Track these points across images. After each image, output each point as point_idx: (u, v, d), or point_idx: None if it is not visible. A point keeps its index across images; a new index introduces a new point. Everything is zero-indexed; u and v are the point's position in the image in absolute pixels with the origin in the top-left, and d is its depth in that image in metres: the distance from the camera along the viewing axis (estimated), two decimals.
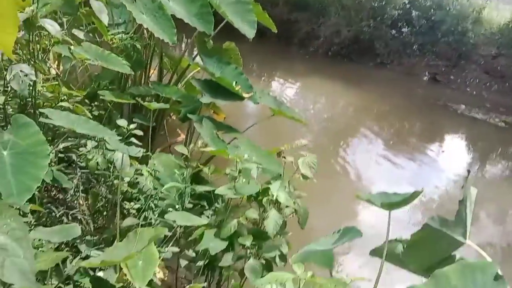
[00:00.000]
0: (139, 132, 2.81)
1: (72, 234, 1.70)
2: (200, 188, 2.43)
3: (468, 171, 1.78)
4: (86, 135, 2.67)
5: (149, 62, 4.90)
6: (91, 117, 3.34)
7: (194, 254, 2.42)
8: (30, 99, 2.58)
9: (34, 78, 2.25)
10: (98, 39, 4.00)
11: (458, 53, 10.68)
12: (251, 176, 2.51)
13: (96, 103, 3.92)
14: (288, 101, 8.10)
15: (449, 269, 1.13)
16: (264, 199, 2.33)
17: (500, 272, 1.08)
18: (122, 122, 2.82)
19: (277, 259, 2.17)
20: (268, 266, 2.22)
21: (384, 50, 11.22)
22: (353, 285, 3.45)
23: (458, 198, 1.73)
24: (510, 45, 10.20)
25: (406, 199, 1.83)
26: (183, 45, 8.59)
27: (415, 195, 1.82)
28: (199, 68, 5.10)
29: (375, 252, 2.22)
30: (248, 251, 2.22)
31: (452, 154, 6.92)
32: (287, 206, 2.36)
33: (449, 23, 10.78)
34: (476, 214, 4.97)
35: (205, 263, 2.36)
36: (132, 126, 2.79)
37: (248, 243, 2.16)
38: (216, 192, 2.29)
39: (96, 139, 2.67)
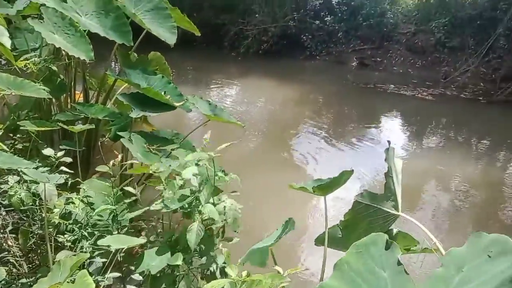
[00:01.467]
0: (68, 159, 2.67)
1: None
2: (131, 212, 2.32)
3: (389, 142, 1.82)
4: (7, 170, 2.50)
5: (73, 85, 4.70)
6: (12, 151, 3.14)
7: (141, 278, 2.32)
8: None
9: None
10: (10, 68, 3.78)
11: (380, 34, 11.15)
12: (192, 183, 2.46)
13: (19, 135, 3.69)
14: (229, 103, 8.11)
15: (346, 255, 1.16)
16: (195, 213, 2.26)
17: (389, 240, 1.12)
18: (48, 152, 2.67)
19: (217, 273, 2.11)
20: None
21: (311, 42, 11.50)
22: (308, 274, 3.49)
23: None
24: (427, 19, 10.76)
25: (335, 181, 1.85)
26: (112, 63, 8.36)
27: (344, 175, 1.85)
28: (126, 85, 4.96)
29: (319, 241, 2.24)
30: (183, 269, 2.14)
31: (390, 131, 7.20)
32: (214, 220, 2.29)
33: (368, 6, 11.21)
34: (419, 185, 5.21)
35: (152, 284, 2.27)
36: (59, 154, 2.65)
37: (179, 262, 2.07)
38: (151, 208, 2.21)
39: (19, 174, 2.50)
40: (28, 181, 2.49)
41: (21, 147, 3.58)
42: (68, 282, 1.72)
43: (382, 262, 1.08)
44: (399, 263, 1.08)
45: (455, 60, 10.12)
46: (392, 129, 7.36)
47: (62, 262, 1.50)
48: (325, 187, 1.85)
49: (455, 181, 5.46)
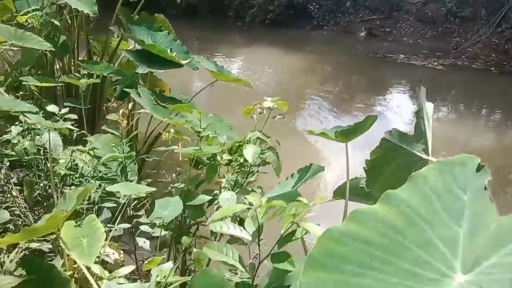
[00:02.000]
0: (73, 116, 2.57)
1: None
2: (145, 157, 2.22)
3: (420, 81, 1.69)
4: (8, 121, 2.39)
5: (76, 46, 4.56)
6: None
7: (150, 230, 2.24)
8: None
9: None
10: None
11: (390, 4, 10.84)
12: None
13: (21, 92, 3.58)
14: (235, 71, 7.94)
15: (426, 170, 1.02)
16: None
17: (482, 163, 0.98)
18: (52, 108, 2.56)
19: None
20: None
21: (319, 11, 11.19)
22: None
23: None
24: None
25: (359, 125, 1.73)
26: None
27: (369, 120, 1.73)
28: (131, 47, 4.81)
29: (338, 192, 2.13)
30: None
31: (399, 100, 7.04)
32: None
33: None
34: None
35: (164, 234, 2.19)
36: (64, 110, 2.54)
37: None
38: (181, 152, 2.11)
39: (22, 124, 2.40)
40: (32, 132, 2.39)
41: None
42: (75, 226, 1.64)
43: (465, 184, 0.95)
44: (484, 188, 0.95)
45: (466, 30, 9.85)
46: (401, 97, 7.20)
47: (67, 194, 1.40)
48: (348, 132, 1.74)
49: (465, 150, 5.34)
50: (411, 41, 10.31)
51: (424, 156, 1.60)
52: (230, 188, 2.13)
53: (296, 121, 6.07)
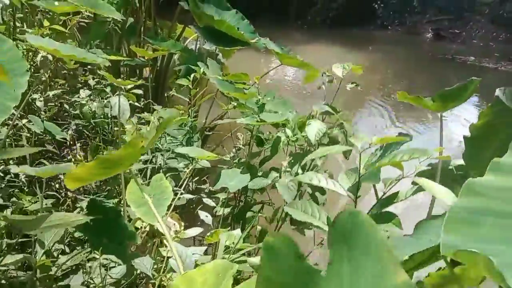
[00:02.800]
0: (139, 91, 2.52)
1: (66, 169, 1.40)
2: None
3: None
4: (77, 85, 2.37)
5: (142, 31, 4.60)
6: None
7: (213, 204, 2.12)
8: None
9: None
10: None
11: (460, 4, 10.28)
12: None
13: (89, 67, 3.62)
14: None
15: None
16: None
17: None
18: (118, 82, 2.53)
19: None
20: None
21: (384, 11, 10.83)
22: None
23: None
24: None
25: (461, 90, 1.51)
26: None
27: (473, 84, 1.50)
28: (195, 35, 4.78)
29: (424, 174, 1.91)
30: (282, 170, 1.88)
31: (469, 105, 6.58)
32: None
33: None
34: None
35: (227, 211, 2.07)
36: (129, 86, 2.50)
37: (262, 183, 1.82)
38: (238, 121, 1.98)
39: (90, 88, 2.37)
40: (99, 96, 2.36)
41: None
42: (143, 184, 1.54)
43: None
44: None
45: None
46: (471, 101, 6.71)
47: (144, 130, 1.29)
48: (448, 97, 1.51)
49: None
50: (481, 44, 9.70)
51: None
52: (291, 173, 1.96)
53: (357, 123, 5.79)
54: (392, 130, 5.70)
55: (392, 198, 1.10)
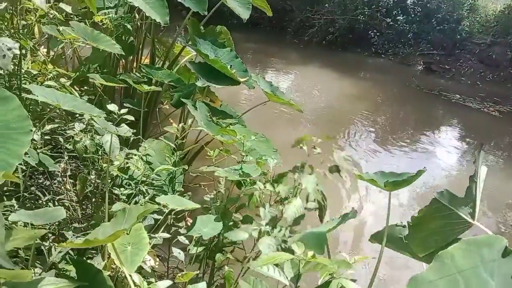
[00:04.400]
0: (131, 117, 2.70)
1: (57, 216, 1.59)
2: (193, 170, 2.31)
3: (481, 144, 1.68)
4: (73, 117, 2.56)
5: (141, 47, 4.77)
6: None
7: (187, 242, 2.32)
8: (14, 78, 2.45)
9: (17, 52, 2.12)
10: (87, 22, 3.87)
11: (453, 42, 10.62)
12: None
13: (85, 87, 3.79)
14: (283, 89, 8.01)
15: (453, 248, 1.03)
16: (283, 187, 2.19)
17: (509, 248, 0.98)
18: (112, 107, 2.70)
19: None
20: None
21: (379, 39, 11.14)
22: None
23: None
24: (506, 33, 10.15)
25: (409, 178, 1.74)
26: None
27: (418, 174, 1.74)
28: (191, 55, 4.98)
29: (375, 237, 2.13)
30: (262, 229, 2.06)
31: (447, 142, 6.87)
32: (308, 201, 2.21)
33: (444, 11, 10.69)
34: None
35: (199, 250, 2.27)
36: (123, 110, 2.68)
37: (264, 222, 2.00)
38: (216, 174, 2.18)
39: (84, 122, 2.55)
40: (93, 131, 2.54)
41: (86, 100, 3.69)
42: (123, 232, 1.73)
43: (493, 268, 0.96)
44: None
45: None
46: (449, 140, 7.00)
47: (127, 209, 1.49)
48: (398, 184, 1.75)
49: (504, 203, 5.15)
50: (469, 82, 10.03)
51: (470, 220, 1.59)
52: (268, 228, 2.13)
53: (338, 148, 6.04)
54: (375, 152, 5.98)
55: (325, 287, 1.30)
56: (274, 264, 1.34)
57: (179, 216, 2.56)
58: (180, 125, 2.44)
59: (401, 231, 2.00)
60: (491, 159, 6.51)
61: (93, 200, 2.53)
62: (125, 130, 2.20)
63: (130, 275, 1.54)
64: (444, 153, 6.41)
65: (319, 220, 2.33)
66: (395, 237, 1.98)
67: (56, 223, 2.35)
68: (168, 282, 1.59)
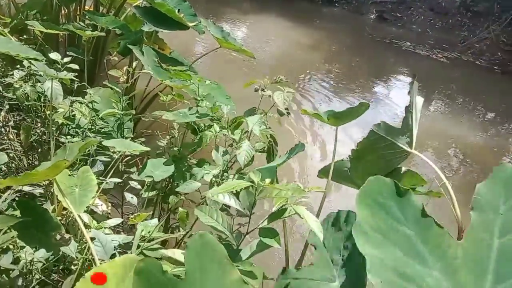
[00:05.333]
0: (75, 66, 2.60)
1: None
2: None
3: (414, 75, 1.75)
4: (13, 68, 2.43)
5: None
6: None
7: (139, 187, 2.33)
8: None
9: None
10: None
11: None
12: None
13: (25, 36, 3.58)
14: (239, 38, 7.89)
15: (360, 214, 1.12)
16: (236, 131, 2.21)
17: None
18: (55, 56, 2.58)
19: None
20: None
21: None
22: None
23: None
24: None
25: (352, 111, 1.80)
26: None
27: (362, 107, 1.80)
28: (138, 2, 4.76)
29: (323, 172, 2.22)
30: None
31: (398, 89, 7.09)
32: (258, 142, 2.23)
33: None
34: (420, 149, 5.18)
35: (152, 194, 2.28)
36: (66, 59, 2.57)
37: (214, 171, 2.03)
38: (164, 117, 2.16)
39: (24, 69, 2.44)
40: (34, 78, 2.43)
41: None
42: (69, 175, 1.71)
43: (400, 216, 0.99)
44: (424, 215, 0.97)
45: (476, 25, 9.79)
46: (400, 86, 7.23)
47: (68, 145, 1.46)
48: (340, 116, 1.80)
49: (453, 145, 5.45)
50: (419, 29, 10.23)
51: (407, 149, 1.68)
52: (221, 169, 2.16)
53: (295, 99, 6.10)
54: (329, 101, 6.12)
55: (280, 214, 1.35)
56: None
57: (130, 163, 2.56)
58: (125, 68, 2.37)
59: (346, 165, 2.09)
60: (438, 104, 6.80)
61: (39, 150, 2.46)
62: (65, 73, 2.12)
63: (79, 215, 1.54)
64: (394, 98, 6.63)
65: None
66: (341, 170, 2.08)
67: (1, 174, 2.29)
68: (118, 220, 1.61)
